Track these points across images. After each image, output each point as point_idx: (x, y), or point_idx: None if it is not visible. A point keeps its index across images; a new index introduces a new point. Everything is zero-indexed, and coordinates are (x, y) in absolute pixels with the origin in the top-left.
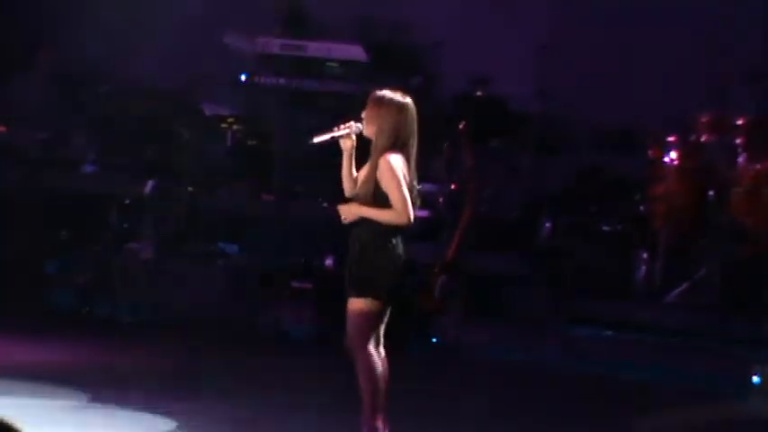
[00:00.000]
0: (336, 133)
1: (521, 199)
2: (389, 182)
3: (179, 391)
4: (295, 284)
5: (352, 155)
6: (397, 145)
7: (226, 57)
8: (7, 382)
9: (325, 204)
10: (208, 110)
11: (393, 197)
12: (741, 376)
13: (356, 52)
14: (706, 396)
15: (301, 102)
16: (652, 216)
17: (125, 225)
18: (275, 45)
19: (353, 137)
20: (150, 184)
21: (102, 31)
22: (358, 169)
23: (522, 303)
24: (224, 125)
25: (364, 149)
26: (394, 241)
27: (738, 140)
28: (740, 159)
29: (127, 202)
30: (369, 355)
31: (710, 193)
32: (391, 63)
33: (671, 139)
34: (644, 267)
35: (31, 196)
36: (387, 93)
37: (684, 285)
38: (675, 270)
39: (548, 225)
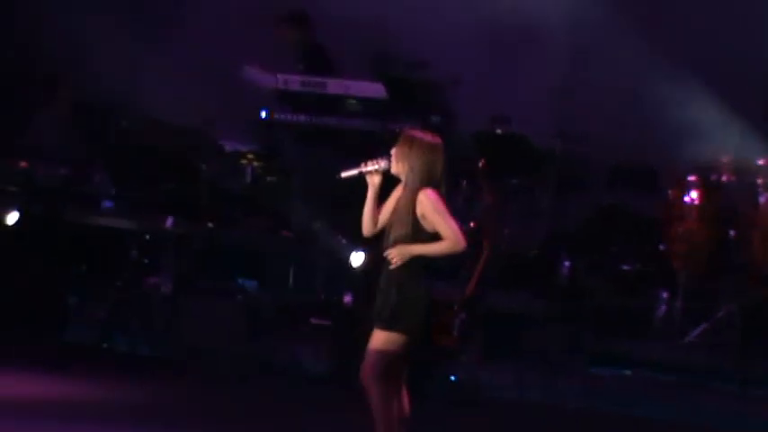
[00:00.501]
0: (365, 169)
1: (540, 237)
2: (435, 215)
3: (195, 428)
4: (314, 321)
5: (377, 192)
6: (431, 184)
7: (246, 93)
8: (22, 415)
9: (344, 241)
10: (228, 146)
11: (444, 228)
12: (760, 418)
13: (376, 90)
14: None
15: (321, 138)
16: (672, 256)
17: (145, 260)
18: (295, 82)
19: (380, 173)
20: (170, 219)
21: (120, 67)
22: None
23: (540, 342)
24: (244, 161)
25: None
26: (424, 278)
27: (759, 180)
28: (761, 200)
29: (147, 237)
30: (384, 391)
31: (731, 233)
32: (410, 100)
33: (691, 178)
34: (664, 307)
35: (51, 230)
36: (418, 132)
37: (704, 325)
38: (695, 310)
39: (567, 264)
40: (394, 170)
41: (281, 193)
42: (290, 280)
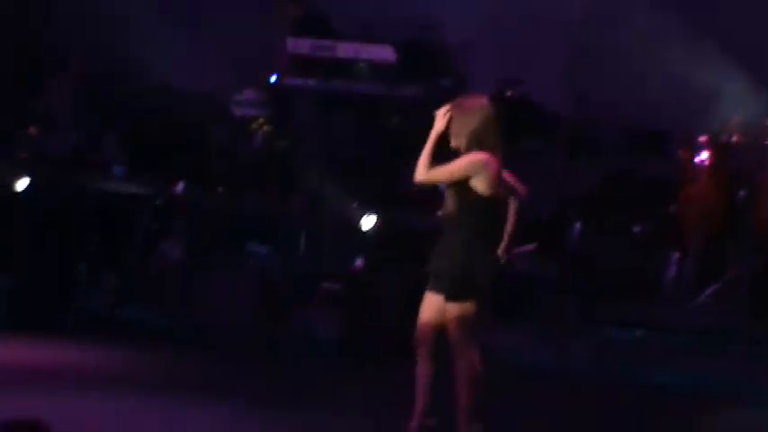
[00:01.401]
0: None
1: (552, 200)
2: (489, 177)
3: (206, 396)
4: (325, 286)
5: (439, 134)
6: (482, 147)
7: (256, 58)
8: (33, 383)
9: (355, 205)
10: (239, 111)
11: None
12: None
13: (385, 53)
14: (733, 399)
15: (331, 103)
16: (682, 217)
17: (156, 226)
18: (305, 45)
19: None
20: (180, 185)
21: (132, 34)
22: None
23: (552, 305)
24: (254, 126)
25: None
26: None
27: None
28: None
29: (157, 203)
30: (472, 358)
31: (741, 194)
32: (420, 64)
33: (702, 139)
34: (674, 268)
35: (63, 198)
36: (464, 99)
37: (714, 287)
38: (706, 272)
39: (578, 226)
40: (453, 143)
41: (291, 158)
42: (302, 245)
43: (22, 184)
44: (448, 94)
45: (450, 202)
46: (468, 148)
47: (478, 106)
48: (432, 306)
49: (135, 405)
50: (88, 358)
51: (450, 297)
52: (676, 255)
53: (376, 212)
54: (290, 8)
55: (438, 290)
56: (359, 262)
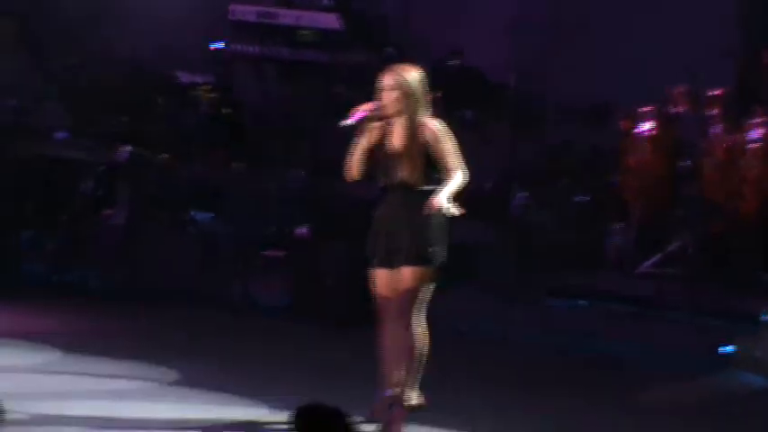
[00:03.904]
0: (366, 113)
1: (494, 170)
2: (446, 144)
3: (148, 359)
4: (267, 253)
5: (373, 138)
6: (428, 113)
7: (200, 25)
8: None
9: (301, 173)
10: (183, 78)
11: (454, 157)
12: (711, 348)
13: (330, 21)
14: (678, 367)
15: (275, 70)
16: (624, 188)
17: (99, 192)
18: (250, 13)
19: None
20: (124, 150)
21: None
22: None
23: (493, 274)
24: (198, 93)
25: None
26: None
27: (712, 112)
28: (714, 131)
29: (101, 169)
30: (422, 327)
31: (683, 164)
32: (364, 32)
33: (645, 109)
34: (616, 238)
35: (4, 164)
36: (401, 66)
37: (656, 257)
38: (648, 241)
39: (520, 196)
40: (390, 109)
41: (236, 125)
42: (245, 212)
43: None
44: (391, 62)
45: (402, 171)
46: (420, 113)
47: (421, 72)
48: (384, 280)
49: (75, 366)
50: (27, 323)
51: (411, 262)
52: (618, 225)
53: (320, 180)
54: None
55: (389, 263)
56: (303, 229)
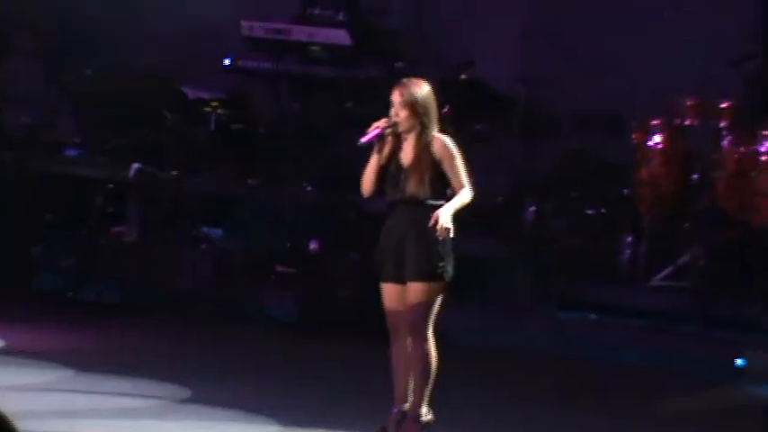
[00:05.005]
0: (383, 129)
1: (505, 183)
2: (456, 161)
3: (160, 376)
4: (279, 269)
5: (387, 153)
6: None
7: (210, 40)
8: None
9: (309, 188)
10: (191, 93)
11: (463, 176)
12: (725, 360)
13: (340, 36)
14: (691, 380)
15: (286, 85)
16: (637, 199)
17: (110, 209)
18: (260, 28)
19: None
20: (134, 167)
21: (85, 15)
22: None
23: (507, 288)
24: (207, 109)
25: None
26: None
27: (723, 124)
28: (724, 143)
29: (111, 186)
30: (431, 342)
31: (695, 176)
32: (374, 47)
33: (655, 122)
34: (629, 251)
35: (17, 180)
36: (412, 80)
37: (669, 269)
38: (660, 253)
39: (532, 209)
40: (403, 124)
41: (246, 141)
42: (256, 228)
43: None
44: (402, 76)
45: (412, 185)
46: (433, 129)
47: (430, 88)
48: (393, 294)
49: (95, 383)
50: (42, 338)
51: (421, 278)
52: (630, 237)
53: (330, 195)
54: None
55: (397, 278)
56: (314, 244)
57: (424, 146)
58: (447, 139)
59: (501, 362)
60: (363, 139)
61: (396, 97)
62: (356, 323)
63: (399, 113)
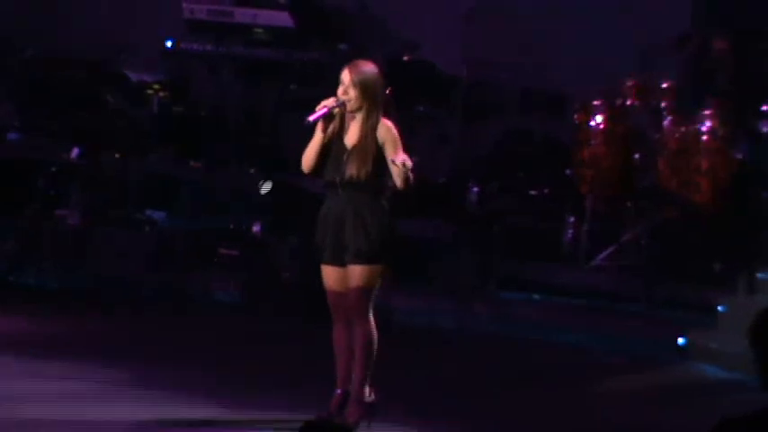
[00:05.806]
0: (332, 107)
1: (448, 164)
2: (397, 145)
3: (103, 359)
4: (222, 251)
5: (331, 131)
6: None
7: (152, 22)
8: None
9: (252, 171)
10: (133, 77)
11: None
12: (666, 339)
13: (283, 19)
14: (633, 359)
15: (228, 68)
16: (578, 180)
17: (52, 192)
18: (202, 11)
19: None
20: (76, 150)
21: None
22: None
23: (450, 269)
24: (150, 92)
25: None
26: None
27: (663, 104)
28: (666, 123)
29: (53, 169)
30: (372, 324)
31: (636, 156)
32: (318, 29)
33: (596, 103)
34: (571, 231)
35: None
36: (362, 62)
37: (611, 248)
38: (602, 233)
39: (475, 190)
40: (352, 105)
41: (188, 124)
42: (200, 210)
43: None
44: (345, 58)
45: (353, 167)
46: (378, 112)
47: (379, 70)
48: (333, 276)
49: (36, 367)
50: None
51: (361, 261)
52: (572, 217)
53: (272, 177)
54: None
55: (337, 260)
56: (256, 227)
57: (370, 127)
58: (390, 124)
59: (444, 343)
60: (311, 118)
61: (345, 77)
62: (299, 305)
63: (349, 92)
